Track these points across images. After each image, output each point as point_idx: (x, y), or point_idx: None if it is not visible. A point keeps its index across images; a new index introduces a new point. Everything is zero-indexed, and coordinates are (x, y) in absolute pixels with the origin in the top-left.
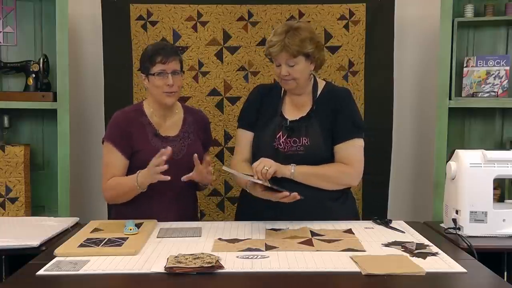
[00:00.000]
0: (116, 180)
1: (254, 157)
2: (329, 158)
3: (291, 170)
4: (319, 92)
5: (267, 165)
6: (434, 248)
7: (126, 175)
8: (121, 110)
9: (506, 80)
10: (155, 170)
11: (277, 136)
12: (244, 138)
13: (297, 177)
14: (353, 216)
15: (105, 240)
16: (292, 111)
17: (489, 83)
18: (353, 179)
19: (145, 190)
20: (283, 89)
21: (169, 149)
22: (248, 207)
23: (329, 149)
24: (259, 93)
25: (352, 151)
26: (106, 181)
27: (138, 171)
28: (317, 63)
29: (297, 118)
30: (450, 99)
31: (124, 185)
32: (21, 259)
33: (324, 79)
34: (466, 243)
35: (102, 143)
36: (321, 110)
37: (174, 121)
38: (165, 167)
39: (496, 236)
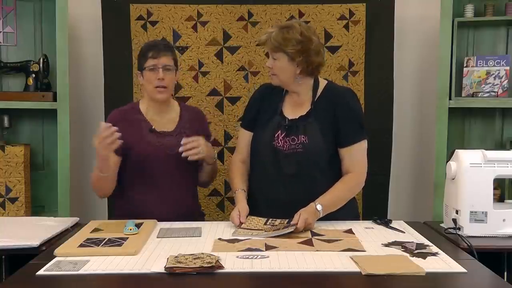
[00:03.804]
0: (91, 176)
1: (255, 155)
2: (330, 157)
3: (319, 212)
4: (319, 92)
5: (307, 220)
6: (434, 248)
7: (124, 172)
8: (117, 108)
9: (506, 80)
10: (101, 145)
11: (276, 135)
12: (244, 138)
13: (325, 212)
14: (353, 216)
15: (105, 240)
16: (292, 110)
17: (489, 83)
18: (362, 184)
19: (109, 173)
20: (284, 88)
21: (102, 123)
22: (248, 207)
23: (330, 149)
24: (260, 92)
25: (360, 156)
26: None
27: None
28: (303, 67)
29: (297, 117)
30: (450, 99)
31: (92, 176)
32: (21, 259)
33: (325, 79)
34: (466, 243)
35: None
36: (321, 109)
37: (170, 118)
38: (116, 134)
39: (496, 236)
